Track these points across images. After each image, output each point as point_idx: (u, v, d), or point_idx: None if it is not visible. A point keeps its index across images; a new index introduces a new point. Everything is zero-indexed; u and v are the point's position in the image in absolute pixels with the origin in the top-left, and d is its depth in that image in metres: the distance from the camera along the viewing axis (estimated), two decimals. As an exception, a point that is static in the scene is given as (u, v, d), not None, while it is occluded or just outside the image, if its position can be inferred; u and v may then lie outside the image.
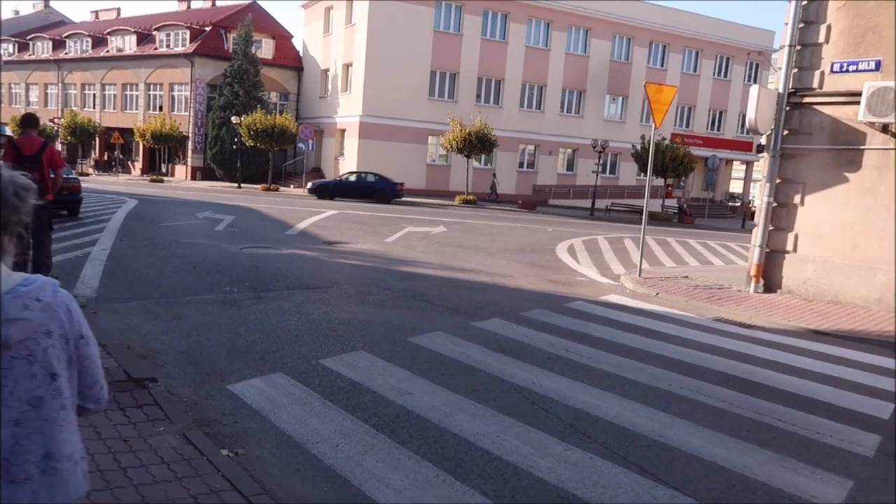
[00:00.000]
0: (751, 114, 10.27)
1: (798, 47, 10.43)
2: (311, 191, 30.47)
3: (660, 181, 39.68)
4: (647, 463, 4.32)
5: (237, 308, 7.66)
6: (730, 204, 47.95)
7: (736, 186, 53.10)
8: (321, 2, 40.44)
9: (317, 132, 37.48)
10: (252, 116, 33.80)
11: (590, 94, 40.73)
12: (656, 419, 5.09)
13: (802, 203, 10.57)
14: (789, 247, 10.73)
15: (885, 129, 9.61)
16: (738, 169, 51.55)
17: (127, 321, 6.80)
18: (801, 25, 10.38)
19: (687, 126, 44.34)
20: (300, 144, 33.90)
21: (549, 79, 39.27)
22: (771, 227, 10.84)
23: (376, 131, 34.90)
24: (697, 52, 44.05)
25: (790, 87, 10.51)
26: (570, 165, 41.49)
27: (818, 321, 9.05)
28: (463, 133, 31.47)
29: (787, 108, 10.54)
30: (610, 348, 7.03)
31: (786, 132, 10.63)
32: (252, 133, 33.49)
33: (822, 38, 10.25)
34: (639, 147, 34.91)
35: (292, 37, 45.43)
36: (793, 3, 10.36)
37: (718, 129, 46.24)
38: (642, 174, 37.88)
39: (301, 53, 44.03)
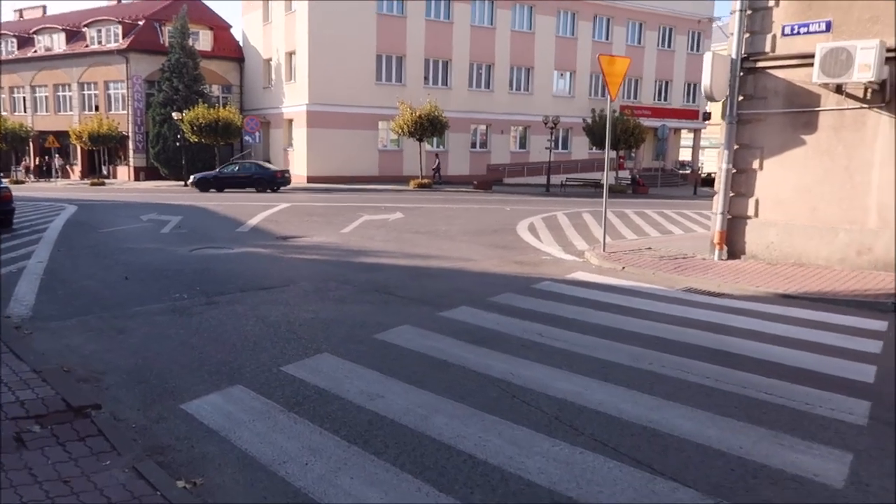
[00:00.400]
0: (706, 81, 10.10)
1: (749, 12, 10.29)
2: (192, 184, 29.96)
3: (612, 153, 39.98)
4: (640, 453, 4.06)
5: (188, 316, 7.15)
6: (680, 172, 48.68)
7: (685, 154, 53.85)
8: (258, -11, 39.20)
9: (263, 124, 36.47)
10: (194, 111, 32.60)
11: (538, 71, 40.57)
12: (642, 403, 4.85)
13: (761, 168, 10.49)
14: (750, 212, 10.67)
15: (838, 89, 9.55)
16: (685, 137, 52.24)
17: (66, 341, 6.25)
18: (752, -12, 10.25)
19: (635, 98, 44.64)
20: (246, 137, 32.93)
21: (497, 57, 38.94)
22: (731, 194, 10.75)
23: (324, 119, 34.09)
24: (641, 24, 44.30)
25: (743, 52, 10.37)
26: (523, 143, 41.37)
27: (785, 285, 8.99)
28: (413, 116, 30.95)
29: (741, 74, 10.41)
30: (584, 329, 6.79)
31: (741, 98, 10.51)
32: (195, 128, 32.33)
33: (771, 2, 10.12)
34: (590, 121, 35.06)
35: (230, 27, 44.00)
36: (741, -35, 10.19)
37: (665, 100, 46.68)
38: (594, 148, 38.19)
39: (241, 44, 42.67)
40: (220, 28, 42.64)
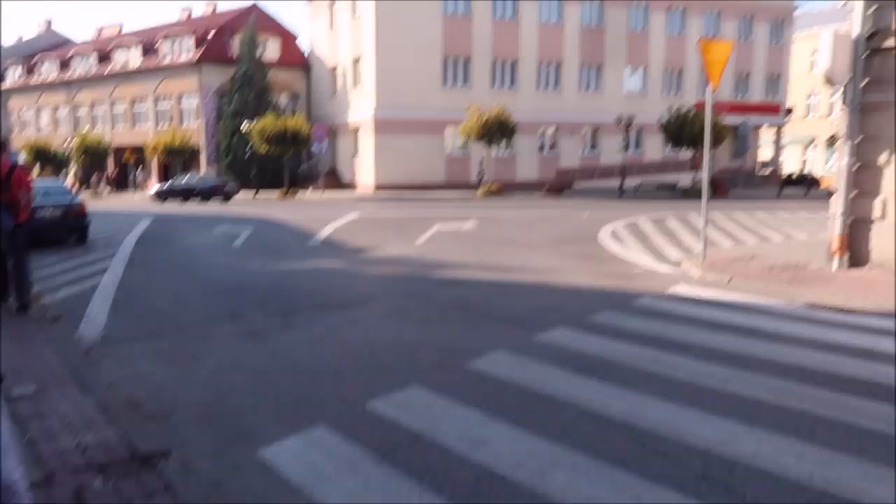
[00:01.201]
0: (825, 63, 8.99)
1: (873, -16, 9.12)
2: (155, 196, 32.87)
3: (687, 153, 38.27)
4: (829, 533, 3.18)
5: (263, 340, 6.62)
6: (762, 172, 46.20)
7: (765, 153, 51.12)
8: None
9: (330, 132, 36.50)
10: (263, 121, 32.88)
11: (608, 68, 39.22)
12: (809, 456, 3.94)
13: (890, 163, 9.27)
14: (877, 214, 9.45)
15: None
16: (766, 134, 49.54)
17: (136, 368, 5.78)
18: (876, -42, 9.07)
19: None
20: (314, 146, 32.94)
21: (565, 55, 37.82)
22: (853, 193, 9.55)
23: (391, 126, 33.79)
24: (717, 14, 42.34)
25: (867, 29, 9.18)
26: (594, 145, 40.04)
27: (931, 299, 7.78)
28: (481, 120, 30.23)
29: (865, 55, 9.22)
30: (706, 355, 5.87)
31: (864, 82, 9.32)
32: (264, 138, 32.58)
33: (902, -29, 8.93)
34: (666, 119, 33.56)
35: (297, 36, 44.47)
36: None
37: (744, 94, 44.41)
38: (670, 147, 36.57)
39: (307, 52, 43.01)
40: (286, 37, 43.13)
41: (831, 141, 40.66)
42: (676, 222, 17.67)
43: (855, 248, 9.62)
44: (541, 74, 37.63)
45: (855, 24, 9.21)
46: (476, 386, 5.21)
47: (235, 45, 39.57)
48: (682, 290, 8.90)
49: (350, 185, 37.05)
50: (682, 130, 33.00)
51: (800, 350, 6.06)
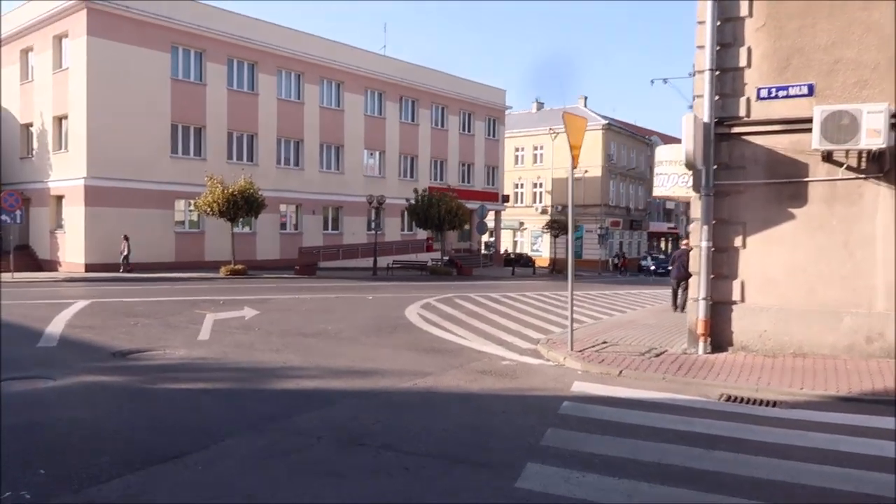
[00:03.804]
0: (688, 147, 8.77)
1: (717, 72, 9.29)
2: None
3: (423, 234, 39.29)
4: None
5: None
6: (484, 252, 49.50)
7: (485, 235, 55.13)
8: (13, 42, 32.71)
9: (24, 200, 29.58)
10: (-76, 184, 25.25)
11: (348, 149, 38.80)
12: None
13: (744, 245, 9.32)
14: (736, 296, 9.38)
15: (828, 157, 8.75)
16: (488, 219, 53.51)
17: None
18: (718, 48, 9.29)
19: (441, 179, 44.78)
20: (3, 217, 26.17)
21: (306, 133, 36.45)
22: (711, 276, 9.38)
23: (107, 196, 28.50)
24: (444, 108, 45.06)
25: (714, 116, 9.28)
26: (336, 224, 38.80)
27: (833, 385, 7.56)
28: (226, 194, 26.98)
29: (713, 141, 9.28)
30: (744, 490, 4.50)
31: (715, 167, 9.36)
32: (-75, 206, 24.92)
33: (743, 62, 9.24)
34: (413, 201, 33.97)
35: (-26, 85, 36.17)
36: (707, 23, 9.23)
37: (468, 182, 47.52)
38: (416, 229, 37.07)
39: (-11, 105, 35.15)
40: (-42, 85, 34.79)
41: (549, 225, 45.19)
42: (468, 303, 16.88)
43: (717, 332, 9.40)
44: (281, 150, 35.62)
45: (704, 110, 9.26)
46: None
47: None
48: (587, 388, 7.61)
49: (50, 265, 30.17)
50: (428, 212, 33.58)
51: (803, 464, 5.05)
